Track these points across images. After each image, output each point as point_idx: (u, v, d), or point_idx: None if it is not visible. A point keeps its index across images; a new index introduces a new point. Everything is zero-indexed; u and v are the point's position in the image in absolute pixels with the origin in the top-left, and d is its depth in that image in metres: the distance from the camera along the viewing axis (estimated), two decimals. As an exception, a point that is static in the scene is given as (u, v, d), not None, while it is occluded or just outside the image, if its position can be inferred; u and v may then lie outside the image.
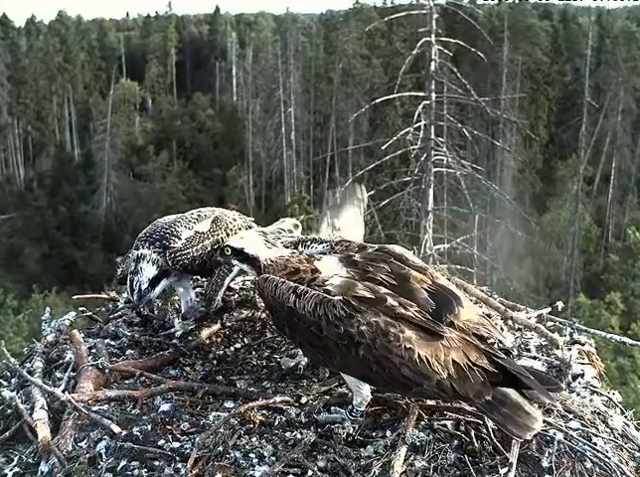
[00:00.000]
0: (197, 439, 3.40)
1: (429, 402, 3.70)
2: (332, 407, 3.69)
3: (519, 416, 3.13)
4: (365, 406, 3.52)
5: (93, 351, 4.43)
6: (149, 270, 4.44)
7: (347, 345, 3.18)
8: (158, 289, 4.53)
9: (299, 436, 3.50)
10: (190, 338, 4.67)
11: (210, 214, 4.86)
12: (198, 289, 5.22)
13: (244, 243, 3.61)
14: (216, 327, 4.80)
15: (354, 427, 3.48)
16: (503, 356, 3.26)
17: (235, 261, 3.68)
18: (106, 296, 5.54)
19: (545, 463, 3.33)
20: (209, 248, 4.58)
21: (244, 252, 3.59)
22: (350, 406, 3.54)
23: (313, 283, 3.33)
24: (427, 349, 3.15)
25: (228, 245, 3.66)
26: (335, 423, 3.51)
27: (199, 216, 4.80)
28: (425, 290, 3.30)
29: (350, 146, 46.72)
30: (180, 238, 4.60)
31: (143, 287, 4.41)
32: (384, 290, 3.24)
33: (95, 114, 62.85)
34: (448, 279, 4.47)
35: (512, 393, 3.17)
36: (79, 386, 3.94)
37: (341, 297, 3.23)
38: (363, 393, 3.47)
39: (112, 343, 4.66)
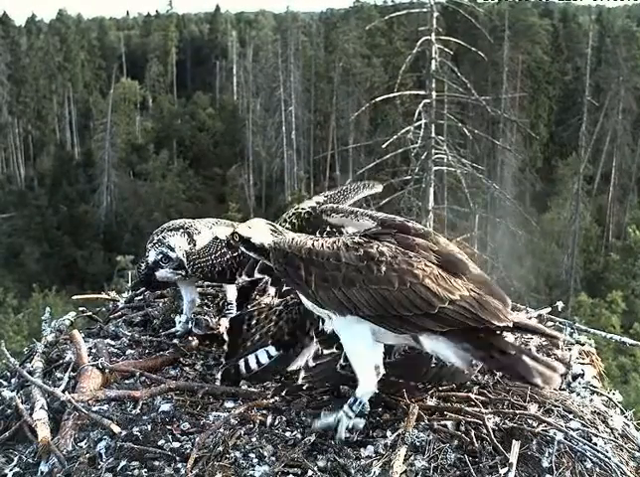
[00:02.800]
0: (197, 439, 3.40)
1: (429, 403, 3.71)
2: (327, 412, 3.61)
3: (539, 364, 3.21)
4: (367, 399, 3.44)
5: (93, 351, 4.43)
6: (179, 239, 4.58)
7: (367, 265, 3.19)
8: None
9: (299, 436, 3.50)
10: (190, 338, 4.68)
11: (227, 223, 4.92)
12: (198, 289, 5.22)
13: (252, 233, 3.57)
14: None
15: (350, 431, 3.44)
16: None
17: (242, 249, 3.63)
18: (106, 296, 5.54)
19: (545, 463, 3.33)
20: (228, 256, 4.59)
21: (251, 242, 3.55)
22: (352, 399, 3.46)
23: None
24: (448, 268, 3.27)
25: (236, 233, 3.60)
26: (330, 430, 3.45)
27: (217, 222, 4.86)
28: (434, 256, 3.34)
29: (350, 145, 46.70)
30: (199, 231, 4.65)
31: (182, 245, 4.53)
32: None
33: (96, 113, 62.79)
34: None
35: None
36: (79, 386, 3.95)
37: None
38: (368, 382, 3.40)
39: (112, 343, 4.67)
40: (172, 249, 4.51)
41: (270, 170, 55.50)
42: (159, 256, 4.52)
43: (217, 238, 4.67)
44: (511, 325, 3.15)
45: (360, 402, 3.43)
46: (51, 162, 59.98)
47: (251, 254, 3.63)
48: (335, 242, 3.30)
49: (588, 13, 60.73)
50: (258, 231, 3.56)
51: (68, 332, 4.69)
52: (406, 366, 3.69)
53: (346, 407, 3.44)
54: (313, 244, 3.32)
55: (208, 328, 4.76)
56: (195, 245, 4.64)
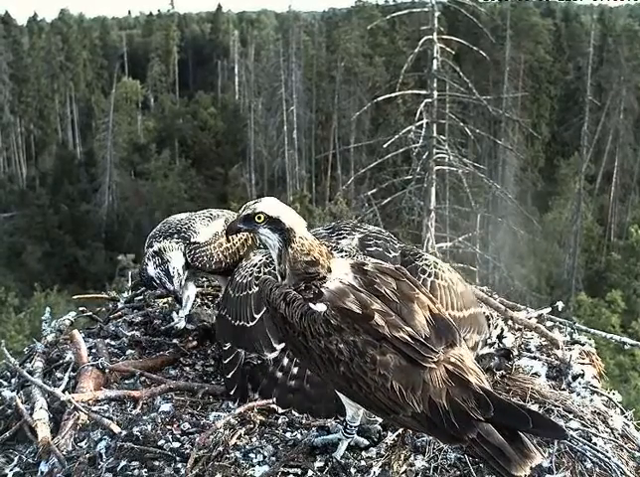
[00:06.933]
0: (197, 439, 3.40)
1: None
2: (330, 425, 3.62)
3: (499, 460, 2.75)
4: (358, 421, 3.32)
5: (93, 351, 4.44)
6: (178, 257, 4.52)
7: (329, 359, 2.98)
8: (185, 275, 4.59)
9: (299, 436, 3.51)
10: (190, 338, 4.67)
11: (220, 214, 4.93)
12: (198, 288, 5.21)
13: (280, 212, 3.15)
14: None
15: (349, 444, 3.40)
16: (498, 396, 2.85)
17: (263, 230, 3.19)
18: (107, 296, 5.55)
19: (545, 463, 3.32)
20: (224, 247, 4.64)
21: (281, 222, 3.15)
22: (344, 423, 3.35)
23: (314, 282, 3.10)
24: (404, 378, 2.86)
25: (261, 212, 3.16)
26: (331, 445, 3.42)
27: (211, 215, 4.84)
28: (426, 317, 3.01)
29: (352, 144, 46.67)
30: (197, 233, 4.64)
31: (180, 272, 4.48)
32: (376, 306, 2.98)
33: (97, 113, 62.85)
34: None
35: (496, 434, 2.76)
36: (79, 386, 3.95)
37: (325, 309, 2.99)
38: (354, 407, 3.24)
39: (112, 343, 4.67)
40: (169, 273, 4.45)
41: (272, 169, 55.51)
42: (157, 273, 4.47)
43: (217, 233, 4.70)
44: (465, 445, 2.81)
45: (351, 426, 3.33)
46: (52, 161, 60.02)
47: (272, 237, 3.18)
48: (302, 317, 3.02)
49: (590, 12, 60.65)
50: (286, 212, 3.19)
51: (68, 332, 4.69)
52: None
53: (343, 431, 3.38)
54: (286, 309, 3.07)
55: (200, 321, 4.75)
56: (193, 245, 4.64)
